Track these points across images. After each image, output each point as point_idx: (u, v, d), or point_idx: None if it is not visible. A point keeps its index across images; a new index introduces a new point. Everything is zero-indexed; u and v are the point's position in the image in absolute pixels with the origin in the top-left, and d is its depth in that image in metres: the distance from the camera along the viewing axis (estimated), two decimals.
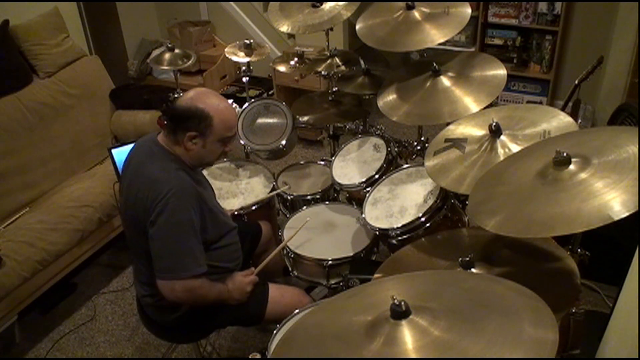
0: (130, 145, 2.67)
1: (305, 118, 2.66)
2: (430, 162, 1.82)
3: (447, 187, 1.73)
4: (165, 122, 1.80)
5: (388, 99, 2.23)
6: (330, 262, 2.06)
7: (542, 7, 3.65)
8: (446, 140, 1.85)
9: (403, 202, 2.04)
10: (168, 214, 1.70)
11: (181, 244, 1.73)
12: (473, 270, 1.46)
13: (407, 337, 1.00)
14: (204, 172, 2.48)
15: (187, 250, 1.74)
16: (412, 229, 1.91)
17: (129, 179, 1.85)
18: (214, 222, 1.88)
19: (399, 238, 1.93)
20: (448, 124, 1.95)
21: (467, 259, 1.45)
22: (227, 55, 2.88)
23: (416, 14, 2.22)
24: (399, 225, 1.92)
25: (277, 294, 2.00)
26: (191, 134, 1.75)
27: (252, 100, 2.77)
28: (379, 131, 2.55)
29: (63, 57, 3.24)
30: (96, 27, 3.90)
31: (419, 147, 2.39)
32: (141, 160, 1.83)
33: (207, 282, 1.81)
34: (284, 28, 2.57)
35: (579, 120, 3.39)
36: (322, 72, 2.63)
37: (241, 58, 2.81)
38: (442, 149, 1.82)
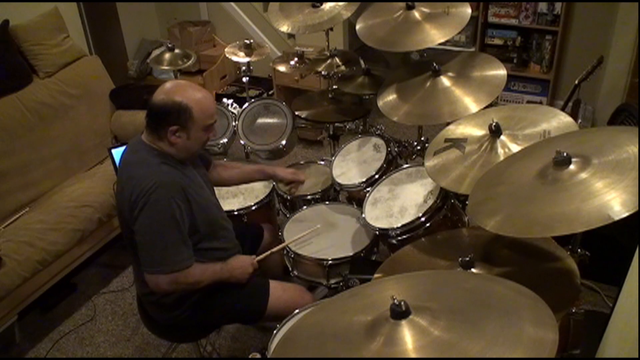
0: None
1: (305, 114, 2.67)
2: (430, 162, 1.82)
3: (447, 187, 1.73)
4: (146, 121, 1.81)
5: (388, 99, 2.23)
6: (330, 262, 2.06)
7: (542, 7, 3.65)
8: (446, 140, 1.85)
9: (403, 202, 2.04)
10: (149, 208, 1.71)
11: (163, 237, 1.73)
12: (473, 270, 1.45)
13: (407, 337, 1.00)
14: None
15: (169, 244, 1.74)
16: (412, 229, 1.91)
17: (119, 181, 1.88)
18: (206, 218, 1.87)
19: (399, 238, 1.93)
20: (448, 124, 1.95)
21: (467, 259, 1.45)
22: (227, 55, 2.88)
23: (416, 14, 2.22)
24: (399, 225, 1.92)
25: (279, 288, 2.01)
26: (173, 128, 1.75)
27: (252, 100, 2.77)
28: (379, 131, 2.56)
29: (63, 57, 3.24)
30: (96, 27, 3.90)
31: (419, 147, 2.39)
32: (128, 161, 1.85)
33: (196, 269, 1.80)
34: (284, 28, 2.57)
35: (579, 120, 3.39)
36: (322, 72, 2.63)
37: (241, 58, 2.81)
38: (442, 149, 1.82)
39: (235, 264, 1.94)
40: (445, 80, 2.11)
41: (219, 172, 2.19)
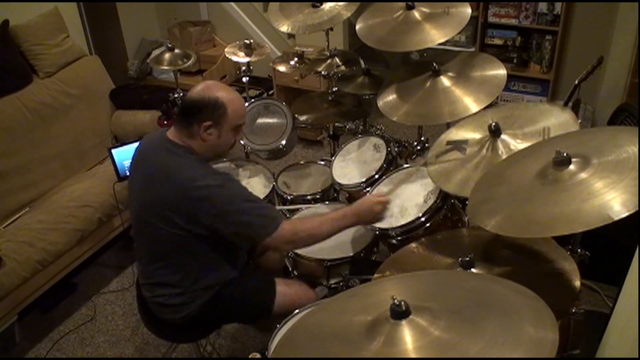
0: (130, 145, 2.70)
1: (305, 117, 2.66)
2: (432, 167, 1.82)
3: (452, 191, 1.73)
4: (176, 117, 1.84)
5: (388, 99, 2.23)
6: (330, 262, 2.06)
7: (542, 7, 3.65)
8: (447, 142, 1.85)
9: (403, 202, 2.04)
10: (225, 195, 1.77)
11: (255, 202, 1.83)
12: (473, 270, 1.45)
13: (407, 337, 1.00)
14: None
15: (262, 203, 1.89)
16: (412, 229, 1.91)
17: (146, 172, 1.86)
18: None
19: (399, 238, 1.93)
20: (448, 124, 1.95)
21: (467, 259, 1.45)
22: (227, 55, 2.88)
23: (416, 14, 2.22)
24: (399, 225, 1.92)
25: (284, 285, 2.02)
26: (207, 123, 1.77)
27: (252, 100, 2.77)
28: (379, 131, 2.55)
29: (63, 57, 3.24)
30: (96, 27, 3.90)
31: (419, 147, 2.38)
32: (159, 155, 1.84)
33: (310, 219, 1.91)
34: (284, 28, 2.57)
35: (579, 120, 3.39)
36: (322, 72, 2.63)
37: (241, 58, 2.81)
38: (444, 152, 1.82)
39: (359, 207, 1.95)
40: (445, 80, 2.11)
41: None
